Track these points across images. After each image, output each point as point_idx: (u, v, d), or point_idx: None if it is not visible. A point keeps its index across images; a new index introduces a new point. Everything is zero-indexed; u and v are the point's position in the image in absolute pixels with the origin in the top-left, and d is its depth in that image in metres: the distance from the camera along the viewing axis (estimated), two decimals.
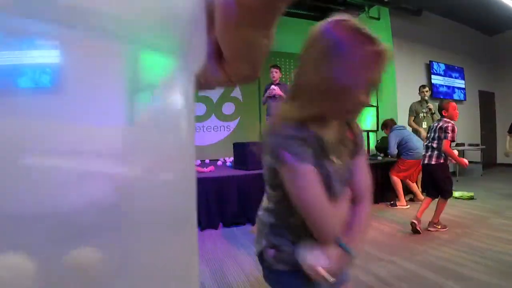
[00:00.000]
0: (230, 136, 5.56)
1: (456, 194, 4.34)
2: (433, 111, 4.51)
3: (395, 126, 4.34)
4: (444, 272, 2.06)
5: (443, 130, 2.84)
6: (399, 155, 4.19)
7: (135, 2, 0.22)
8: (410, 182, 4.22)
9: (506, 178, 5.88)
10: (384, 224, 3.24)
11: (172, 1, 0.24)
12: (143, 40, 0.22)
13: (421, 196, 4.13)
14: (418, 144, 3.99)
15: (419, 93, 4.71)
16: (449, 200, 4.22)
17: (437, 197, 3.00)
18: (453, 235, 2.82)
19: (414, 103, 4.82)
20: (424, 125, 4.68)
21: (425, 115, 4.66)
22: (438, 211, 2.98)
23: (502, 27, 7.04)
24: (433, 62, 6.23)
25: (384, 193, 4.31)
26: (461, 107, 6.63)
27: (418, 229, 2.86)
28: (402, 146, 4.10)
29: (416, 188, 4.27)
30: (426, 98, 4.66)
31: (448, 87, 6.56)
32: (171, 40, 0.24)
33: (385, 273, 2.09)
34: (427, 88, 4.70)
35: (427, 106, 4.62)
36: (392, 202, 4.09)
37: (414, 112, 4.78)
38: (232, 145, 4.02)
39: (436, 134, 2.91)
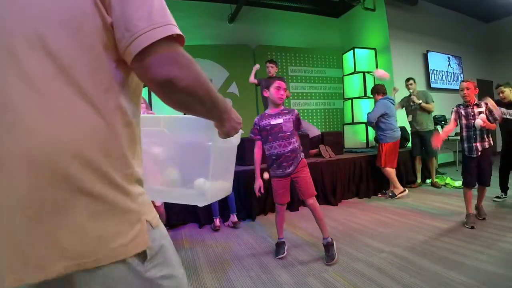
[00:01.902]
0: None
1: (456, 184, 4.34)
2: (418, 102, 4.42)
3: (388, 95, 4.17)
4: (446, 262, 2.05)
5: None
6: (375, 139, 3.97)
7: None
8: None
9: None
10: (383, 215, 3.23)
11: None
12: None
13: (400, 186, 4.03)
14: (396, 123, 4.05)
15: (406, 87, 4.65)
16: (450, 190, 4.24)
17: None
18: (454, 225, 2.81)
19: (404, 97, 4.76)
20: (410, 118, 4.64)
21: (411, 108, 4.58)
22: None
23: (498, 14, 6.99)
24: (430, 52, 6.19)
25: (382, 184, 4.30)
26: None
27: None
28: (384, 120, 3.99)
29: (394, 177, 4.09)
30: (410, 90, 4.58)
31: (446, 76, 6.52)
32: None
33: (386, 265, 2.08)
34: (411, 81, 4.58)
35: (410, 99, 4.54)
36: (391, 194, 4.04)
37: (401, 107, 4.72)
38: None
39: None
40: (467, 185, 2.84)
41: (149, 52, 0.50)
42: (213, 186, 0.88)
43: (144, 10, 0.51)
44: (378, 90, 4.24)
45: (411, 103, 4.55)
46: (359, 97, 5.58)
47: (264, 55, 5.77)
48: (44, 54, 0.47)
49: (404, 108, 4.73)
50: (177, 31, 0.54)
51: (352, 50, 5.59)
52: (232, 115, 0.75)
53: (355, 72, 5.55)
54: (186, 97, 0.56)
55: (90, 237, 0.50)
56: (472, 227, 2.66)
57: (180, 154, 0.97)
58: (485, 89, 7.53)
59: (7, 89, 0.46)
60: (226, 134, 0.78)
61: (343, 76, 5.96)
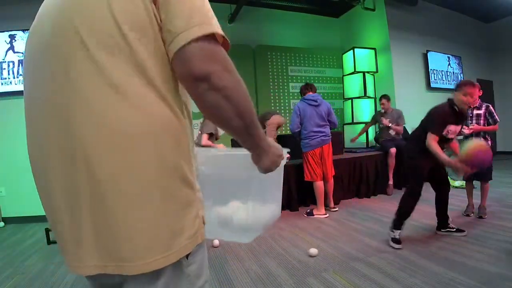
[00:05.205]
0: None
1: (456, 183, 4.34)
2: (387, 125, 4.39)
3: (308, 95, 3.48)
4: (446, 262, 2.05)
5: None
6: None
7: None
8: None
9: (506, 166, 5.88)
10: (383, 215, 3.23)
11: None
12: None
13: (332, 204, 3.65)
14: (313, 128, 3.42)
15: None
16: (450, 190, 4.22)
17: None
18: (454, 225, 2.80)
19: (376, 112, 4.87)
20: (377, 129, 4.67)
21: (380, 126, 4.56)
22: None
23: (498, 15, 6.98)
24: (430, 52, 6.18)
25: (383, 185, 4.29)
26: None
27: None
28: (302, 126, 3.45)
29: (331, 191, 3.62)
30: (382, 111, 4.56)
31: (446, 76, 6.52)
32: None
33: (386, 265, 2.08)
34: (383, 100, 4.47)
35: (381, 121, 4.48)
36: (308, 210, 3.55)
37: (373, 121, 4.81)
38: (230, 141, 4.00)
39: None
40: (466, 179, 3.16)
41: (187, 49, 0.53)
42: (255, 218, 0.81)
43: (184, 11, 0.55)
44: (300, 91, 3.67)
45: (381, 125, 4.55)
46: (359, 97, 5.58)
47: (264, 55, 5.78)
48: (124, 59, 0.53)
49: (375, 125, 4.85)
50: (215, 29, 0.57)
51: (352, 50, 5.58)
52: (272, 147, 0.69)
53: (355, 72, 5.55)
54: (221, 100, 0.55)
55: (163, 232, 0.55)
56: (468, 215, 3.04)
57: (217, 189, 0.84)
58: (485, 89, 7.53)
59: (91, 95, 0.52)
60: (266, 169, 0.70)
61: (343, 76, 5.96)
